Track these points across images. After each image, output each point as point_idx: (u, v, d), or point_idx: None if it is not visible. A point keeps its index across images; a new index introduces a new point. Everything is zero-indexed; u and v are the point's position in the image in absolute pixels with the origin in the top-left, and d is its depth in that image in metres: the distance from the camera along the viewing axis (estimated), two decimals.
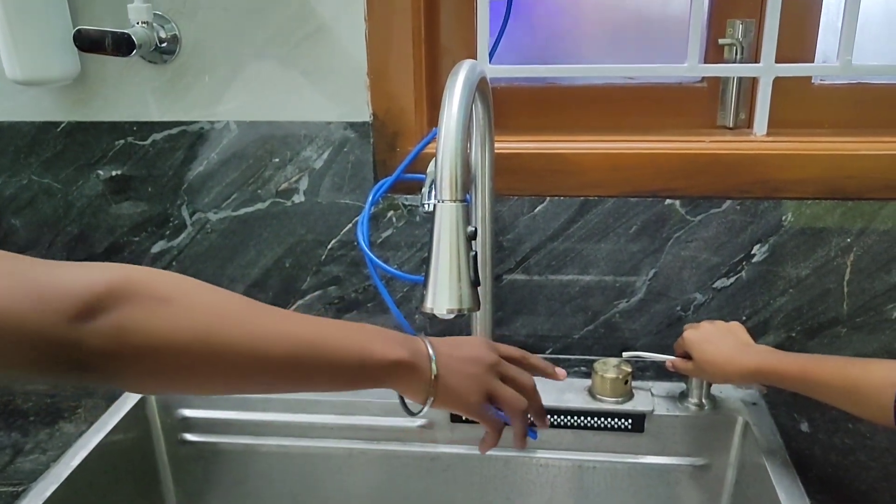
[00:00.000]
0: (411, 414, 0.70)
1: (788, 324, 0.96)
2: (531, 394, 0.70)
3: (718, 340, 0.83)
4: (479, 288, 0.88)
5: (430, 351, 0.65)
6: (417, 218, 0.97)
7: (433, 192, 0.66)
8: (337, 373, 0.60)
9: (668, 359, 0.88)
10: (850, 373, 0.68)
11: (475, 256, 0.66)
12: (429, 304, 0.65)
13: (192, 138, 0.98)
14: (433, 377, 0.64)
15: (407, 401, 0.69)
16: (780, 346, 0.96)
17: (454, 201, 0.64)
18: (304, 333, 0.57)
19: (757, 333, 0.97)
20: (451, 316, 0.65)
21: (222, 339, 0.52)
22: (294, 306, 1.04)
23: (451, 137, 0.63)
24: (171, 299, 0.50)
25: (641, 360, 0.92)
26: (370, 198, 0.92)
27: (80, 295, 0.46)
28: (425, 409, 0.66)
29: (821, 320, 0.96)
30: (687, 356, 0.86)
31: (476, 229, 0.67)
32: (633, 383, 0.92)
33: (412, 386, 0.64)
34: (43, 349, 0.45)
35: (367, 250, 0.88)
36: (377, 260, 0.87)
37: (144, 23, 0.90)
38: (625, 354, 0.93)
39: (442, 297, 0.64)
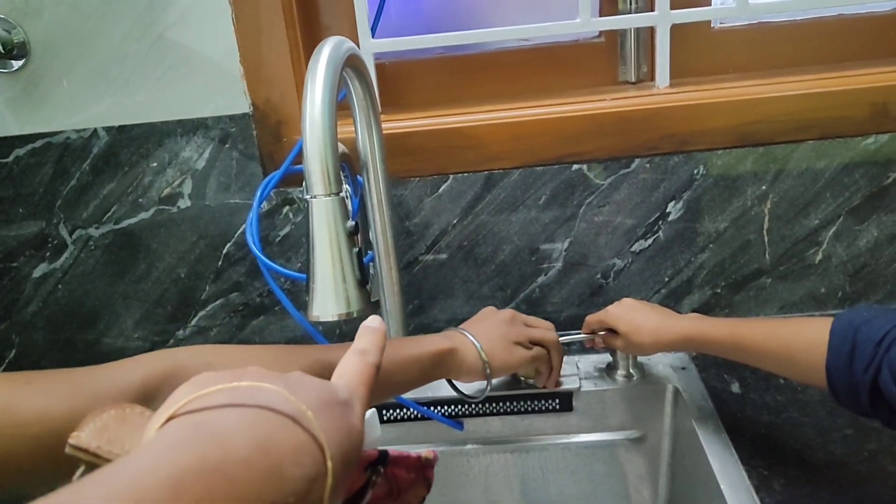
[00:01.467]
0: (471, 399, 0.82)
1: (712, 280, 0.93)
2: (551, 327, 0.81)
3: (644, 310, 0.79)
4: (389, 280, 0.83)
5: (465, 332, 0.74)
6: None
7: None
8: (389, 383, 0.66)
9: (591, 337, 0.84)
10: (781, 334, 0.64)
11: (359, 253, 0.61)
12: (314, 312, 0.60)
13: (58, 150, 0.90)
14: (479, 350, 0.73)
15: (463, 389, 0.81)
16: (706, 304, 0.93)
17: (328, 195, 0.58)
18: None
19: (681, 293, 0.93)
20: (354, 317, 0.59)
21: None
22: (196, 318, 0.97)
23: (316, 126, 0.57)
24: (212, 363, 0.54)
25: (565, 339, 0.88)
26: (258, 194, 0.85)
27: (137, 386, 0.50)
28: (487, 387, 0.76)
29: (744, 273, 0.92)
30: (607, 333, 0.82)
31: (357, 223, 0.61)
32: None
33: (466, 366, 0.72)
34: None
35: (257, 252, 0.81)
36: (267, 260, 0.80)
37: None
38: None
39: (327, 302, 0.59)
